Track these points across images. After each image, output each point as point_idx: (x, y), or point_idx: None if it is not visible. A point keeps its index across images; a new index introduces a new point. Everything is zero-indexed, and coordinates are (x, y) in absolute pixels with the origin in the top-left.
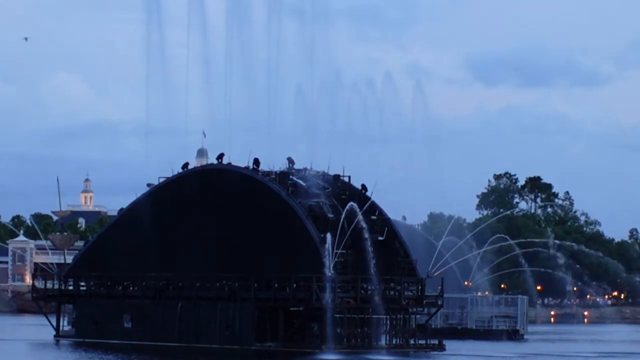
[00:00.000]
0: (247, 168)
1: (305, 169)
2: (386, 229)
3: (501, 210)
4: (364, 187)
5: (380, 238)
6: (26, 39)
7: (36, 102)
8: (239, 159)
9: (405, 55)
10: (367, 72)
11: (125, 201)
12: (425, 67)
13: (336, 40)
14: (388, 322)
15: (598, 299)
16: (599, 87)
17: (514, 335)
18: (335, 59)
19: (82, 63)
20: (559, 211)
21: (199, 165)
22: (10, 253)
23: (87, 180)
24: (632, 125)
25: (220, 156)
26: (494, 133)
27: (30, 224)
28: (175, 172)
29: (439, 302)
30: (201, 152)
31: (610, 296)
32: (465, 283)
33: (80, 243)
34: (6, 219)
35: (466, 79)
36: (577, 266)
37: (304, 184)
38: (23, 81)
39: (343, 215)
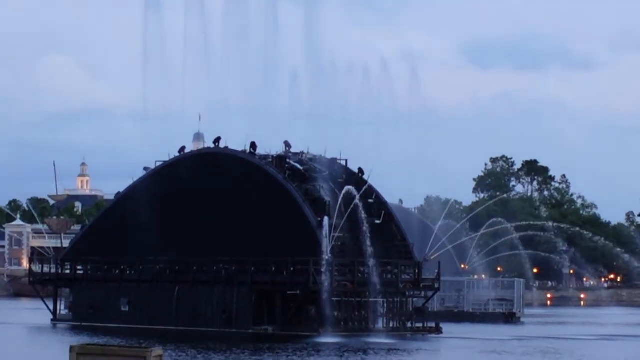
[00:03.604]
0: (244, 152)
1: (302, 152)
2: (383, 212)
3: (498, 193)
4: (361, 170)
5: (377, 221)
6: None
7: (31, 86)
8: (236, 142)
9: (399, 39)
10: (362, 56)
11: (122, 185)
12: (419, 51)
13: (331, 24)
14: (385, 305)
15: (594, 282)
16: (592, 71)
17: (510, 318)
18: (330, 43)
19: (77, 46)
20: (556, 194)
21: (195, 149)
22: (7, 237)
23: (83, 164)
24: (627, 109)
25: (217, 140)
26: (489, 117)
27: (27, 208)
28: (172, 156)
29: (436, 286)
30: (198, 136)
31: (607, 279)
32: (462, 266)
33: (77, 227)
34: (3, 203)
35: (460, 63)
36: (573, 249)
37: (300, 168)
38: (17, 65)
39: (340, 199)
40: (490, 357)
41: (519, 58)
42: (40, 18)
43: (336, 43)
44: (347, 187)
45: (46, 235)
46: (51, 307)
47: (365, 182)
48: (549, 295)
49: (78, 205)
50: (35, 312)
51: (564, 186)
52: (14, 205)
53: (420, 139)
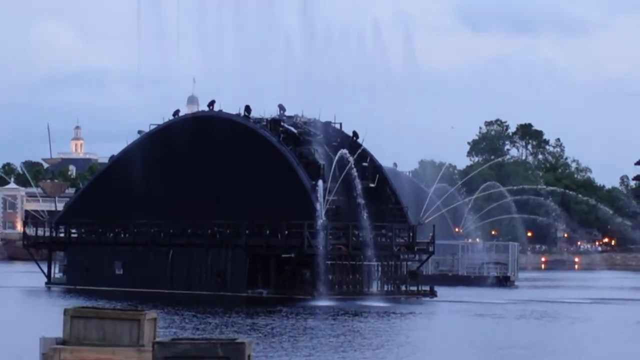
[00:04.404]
0: (238, 115)
1: (297, 115)
2: (377, 176)
3: (492, 157)
4: (355, 134)
5: (371, 185)
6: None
7: (25, 49)
8: (230, 106)
9: (393, 2)
10: (356, 19)
11: (116, 148)
12: (413, 14)
13: None
14: (379, 268)
15: (587, 246)
16: (587, 35)
17: (504, 281)
18: (325, 6)
19: (71, 9)
20: (550, 158)
21: (189, 112)
22: (0, 200)
23: (77, 127)
24: (620, 73)
25: (212, 103)
26: (483, 81)
27: (21, 172)
28: (166, 120)
29: (430, 249)
30: (192, 100)
31: (601, 243)
32: (456, 230)
33: (71, 190)
34: None
35: (454, 27)
36: (567, 213)
37: (295, 131)
38: (11, 28)
39: (334, 162)
40: (485, 320)
41: (513, 22)
42: None
43: (330, 6)
44: (341, 151)
45: (40, 199)
46: (45, 271)
47: (360, 145)
48: (543, 259)
49: (72, 168)
50: (29, 275)
51: (558, 150)
52: (8, 168)
53: (414, 102)
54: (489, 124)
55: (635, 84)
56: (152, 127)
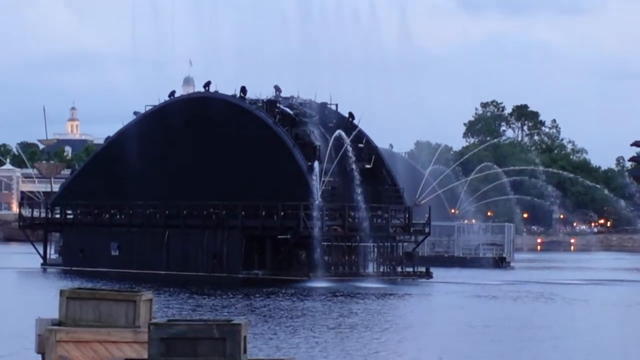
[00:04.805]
0: (234, 96)
1: (293, 96)
2: (373, 157)
3: (488, 138)
4: (351, 115)
5: (367, 166)
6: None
7: (20, 30)
8: (226, 87)
9: None
10: None
11: (112, 129)
12: None
13: None
14: (375, 250)
15: (583, 227)
16: (582, 16)
17: (500, 262)
18: None
19: None
20: (546, 139)
21: (185, 93)
22: None
23: (73, 108)
24: (616, 54)
25: (207, 84)
26: (479, 61)
27: (16, 153)
28: (162, 101)
29: (426, 230)
30: (187, 81)
31: (597, 224)
32: (452, 211)
33: (66, 171)
34: None
35: (450, 7)
36: (562, 194)
37: (291, 112)
38: (6, 9)
39: (330, 143)
40: (481, 301)
41: (508, 2)
42: None
43: None
44: (337, 132)
45: (36, 180)
46: (41, 252)
47: (356, 126)
48: (538, 240)
49: (68, 149)
50: (25, 256)
51: (554, 131)
52: (4, 149)
53: (410, 83)
54: (484, 105)
55: (631, 65)
56: (148, 108)
